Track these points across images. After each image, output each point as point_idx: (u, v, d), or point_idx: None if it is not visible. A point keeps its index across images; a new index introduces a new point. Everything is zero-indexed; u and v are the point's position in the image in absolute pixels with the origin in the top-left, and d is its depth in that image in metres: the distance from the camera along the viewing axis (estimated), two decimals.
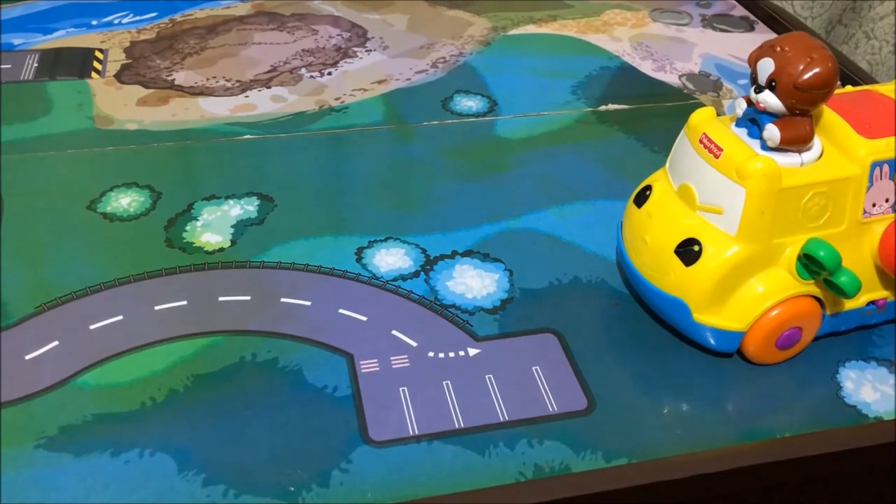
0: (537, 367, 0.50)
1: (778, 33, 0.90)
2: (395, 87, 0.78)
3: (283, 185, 0.64)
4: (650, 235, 0.50)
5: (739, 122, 0.49)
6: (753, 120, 0.48)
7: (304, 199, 0.63)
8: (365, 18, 0.91)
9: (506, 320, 0.53)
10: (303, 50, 0.84)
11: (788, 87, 0.45)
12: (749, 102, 0.48)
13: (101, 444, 0.45)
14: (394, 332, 0.52)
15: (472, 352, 0.51)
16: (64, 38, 0.85)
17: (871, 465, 0.47)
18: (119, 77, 0.78)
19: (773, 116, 0.47)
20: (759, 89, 0.47)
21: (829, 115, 0.49)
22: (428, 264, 0.57)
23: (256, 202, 0.63)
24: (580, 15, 0.93)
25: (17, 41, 0.83)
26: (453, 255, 0.58)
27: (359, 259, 0.58)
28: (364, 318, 0.53)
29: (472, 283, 0.56)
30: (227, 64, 0.81)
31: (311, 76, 0.79)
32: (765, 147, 0.47)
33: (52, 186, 0.64)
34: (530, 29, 0.90)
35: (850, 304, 0.50)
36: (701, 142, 0.49)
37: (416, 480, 0.43)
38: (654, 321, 0.53)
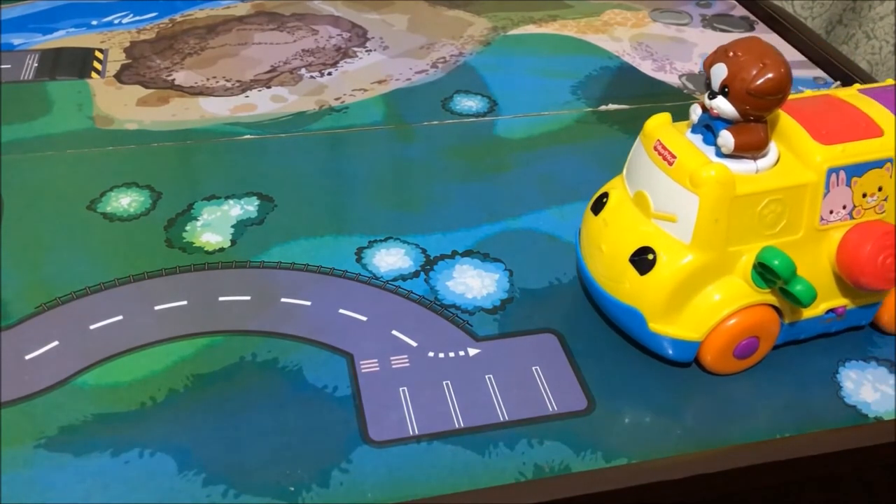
0: (537, 367, 0.50)
1: (778, 33, 0.91)
2: (395, 87, 0.78)
3: (283, 185, 0.64)
4: (606, 243, 0.49)
5: (695, 129, 0.48)
6: (708, 126, 0.47)
7: (304, 199, 0.63)
8: (365, 18, 0.91)
9: (506, 320, 0.53)
10: (303, 50, 0.84)
11: (741, 93, 0.44)
12: (704, 108, 0.47)
13: (101, 444, 0.45)
14: (394, 332, 0.52)
15: (472, 352, 0.51)
16: (64, 38, 0.85)
17: (871, 465, 0.47)
18: (119, 77, 0.78)
19: (728, 122, 0.46)
20: (712, 95, 0.46)
21: (785, 121, 0.48)
22: (428, 264, 0.57)
23: (256, 202, 0.63)
24: (580, 15, 0.93)
25: (17, 41, 0.83)
26: (453, 255, 0.58)
27: (359, 259, 0.58)
28: (364, 318, 0.53)
29: (472, 283, 0.56)
30: (227, 64, 0.81)
31: (311, 76, 0.79)
32: (719, 154, 0.46)
33: (52, 186, 0.64)
34: (530, 29, 0.90)
35: (808, 313, 0.49)
36: (655, 149, 0.48)
37: (416, 480, 0.43)
38: None
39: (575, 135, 0.72)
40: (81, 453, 0.44)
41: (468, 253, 0.58)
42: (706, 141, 0.47)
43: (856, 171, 0.47)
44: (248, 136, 0.70)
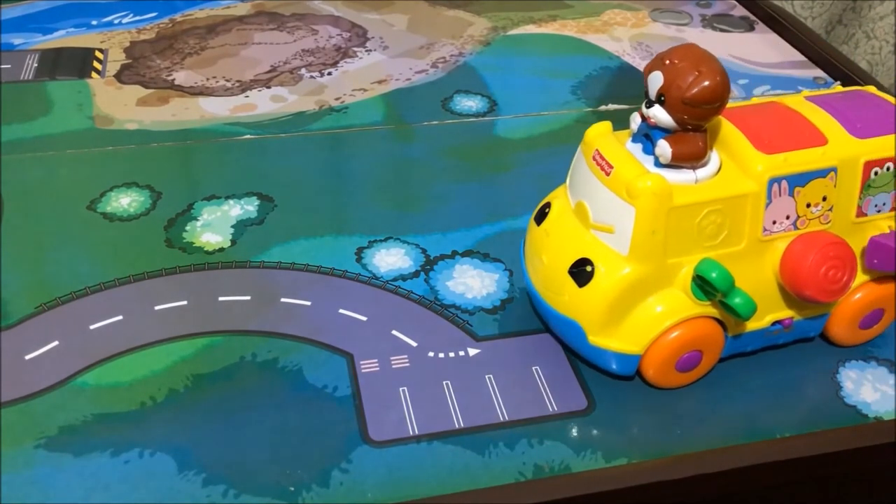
0: (537, 367, 0.50)
1: (778, 33, 0.91)
2: (395, 87, 0.78)
3: (283, 185, 0.64)
4: (546, 254, 0.48)
5: (635, 138, 0.47)
6: (648, 135, 0.46)
7: (304, 199, 0.63)
8: (365, 18, 0.91)
9: (506, 320, 0.53)
10: (303, 50, 0.84)
11: (677, 102, 0.43)
12: (644, 117, 0.46)
13: (101, 444, 0.45)
14: (394, 332, 0.52)
15: (472, 352, 0.51)
16: (64, 38, 0.85)
17: (871, 465, 0.47)
18: (119, 77, 0.78)
19: (666, 132, 0.45)
20: (649, 104, 0.45)
21: (727, 129, 0.47)
22: (428, 264, 0.57)
23: (256, 202, 0.63)
24: (580, 15, 0.93)
25: (17, 41, 0.83)
26: (453, 255, 0.58)
27: (359, 259, 0.58)
28: (364, 318, 0.53)
29: (472, 283, 0.56)
30: (227, 64, 0.81)
31: (311, 76, 0.79)
32: (658, 164, 0.45)
33: (52, 186, 0.64)
34: (530, 29, 0.90)
35: (754, 325, 0.48)
36: (594, 158, 0.47)
37: (416, 480, 0.43)
38: None
39: (575, 135, 0.71)
40: (81, 453, 0.44)
41: (468, 253, 0.58)
42: (646, 150, 0.46)
43: (798, 180, 0.46)
44: (248, 136, 0.70)
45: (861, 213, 0.48)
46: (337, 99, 0.76)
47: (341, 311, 0.53)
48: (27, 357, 0.50)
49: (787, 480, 0.46)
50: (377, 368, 0.49)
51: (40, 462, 0.44)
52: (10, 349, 0.50)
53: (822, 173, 0.46)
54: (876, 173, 0.47)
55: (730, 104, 0.48)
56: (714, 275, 0.44)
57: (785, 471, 0.45)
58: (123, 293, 0.54)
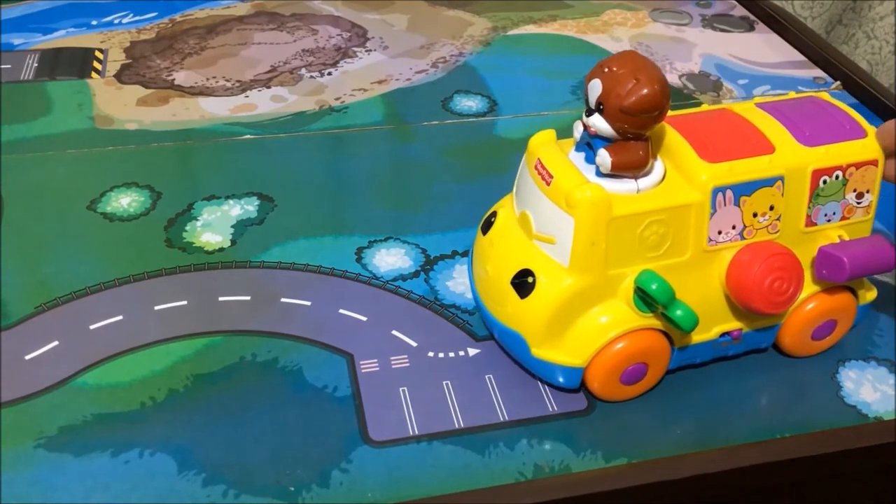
0: None
1: (778, 33, 0.91)
2: (395, 87, 0.78)
3: (283, 185, 0.64)
4: (491, 264, 0.48)
5: (579, 147, 0.46)
6: (590, 144, 0.45)
7: (304, 199, 0.63)
8: (365, 18, 0.91)
9: None
10: (303, 50, 0.84)
11: (615, 111, 0.42)
12: (585, 126, 0.45)
13: (101, 444, 0.45)
14: (394, 332, 0.52)
15: (472, 352, 0.51)
16: (64, 38, 0.85)
17: (871, 465, 0.47)
18: (119, 77, 0.78)
19: (607, 140, 0.44)
20: (589, 112, 0.44)
21: (672, 137, 0.46)
22: (428, 264, 0.57)
23: (256, 202, 0.63)
24: (580, 15, 0.93)
25: (17, 41, 0.83)
26: (453, 255, 0.58)
27: (359, 259, 0.58)
28: (364, 318, 0.53)
29: None
30: (227, 64, 0.81)
31: (311, 76, 0.79)
32: (599, 173, 0.45)
33: (52, 186, 0.64)
34: (530, 29, 0.90)
35: (701, 336, 0.47)
36: (535, 168, 0.46)
37: (416, 480, 0.43)
38: None
39: None
40: (81, 453, 0.44)
41: (468, 253, 0.58)
42: (588, 160, 0.45)
43: (744, 189, 0.45)
44: (248, 136, 0.70)
45: (810, 222, 0.47)
46: (337, 99, 0.76)
47: (341, 311, 0.53)
48: (27, 357, 0.50)
49: (787, 480, 0.46)
50: (377, 368, 0.49)
51: (40, 462, 0.44)
52: (10, 349, 0.50)
53: (768, 182, 0.45)
54: (825, 182, 0.46)
55: (679, 111, 0.48)
56: (654, 287, 0.43)
57: (785, 471, 0.44)
58: (123, 293, 0.54)
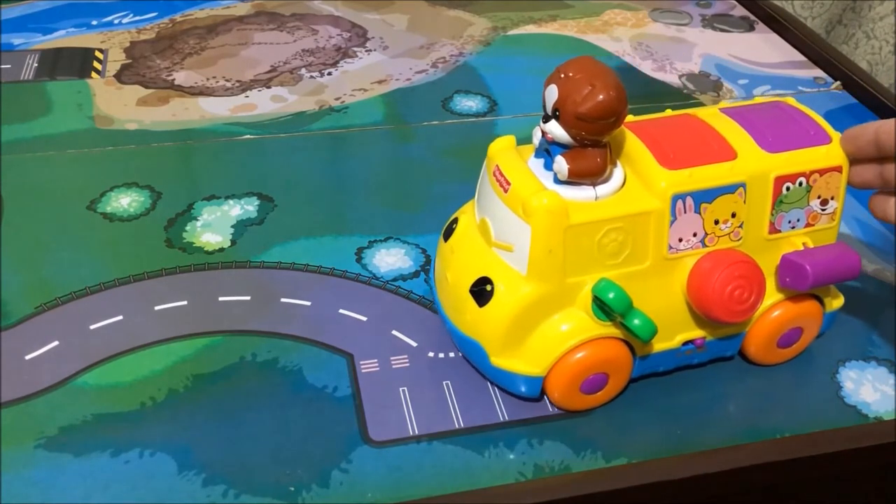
0: None
1: (778, 33, 0.91)
2: (395, 87, 0.78)
3: (283, 185, 0.64)
4: (451, 272, 0.47)
5: (538, 153, 0.45)
6: (549, 150, 0.44)
7: (304, 199, 0.63)
8: (365, 18, 0.91)
9: None
10: (303, 50, 0.84)
11: (570, 117, 0.41)
12: (543, 132, 0.44)
13: (101, 444, 0.45)
14: (394, 332, 0.52)
15: None
16: (64, 38, 0.85)
17: (871, 465, 0.47)
18: (119, 77, 0.78)
19: (564, 147, 0.43)
20: (546, 118, 0.43)
21: (633, 144, 0.45)
22: (428, 264, 0.57)
23: (256, 202, 0.63)
24: (580, 15, 0.93)
25: (17, 41, 0.83)
26: None
27: (359, 259, 0.58)
28: (364, 318, 0.53)
29: None
30: (227, 64, 0.81)
31: (311, 76, 0.79)
32: (557, 180, 0.44)
33: (52, 186, 0.64)
34: (530, 29, 0.90)
35: (663, 345, 0.46)
36: (494, 174, 0.45)
37: (416, 480, 0.43)
38: None
39: None
40: (81, 453, 0.44)
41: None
42: (547, 166, 0.45)
43: (704, 196, 0.44)
44: (248, 136, 0.70)
45: (774, 229, 0.46)
46: (337, 99, 0.76)
47: (341, 311, 0.53)
48: (27, 357, 0.50)
49: (787, 480, 0.46)
50: (377, 368, 0.49)
51: (40, 462, 0.44)
52: (10, 349, 0.50)
53: (729, 189, 0.44)
54: (788, 189, 0.46)
55: (642, 116, 0.47)
56: (611, 296, 0.42)
57: (785, 471, 0.44)
58: (123, 293, 0.54)
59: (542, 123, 0.43)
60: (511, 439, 0.46)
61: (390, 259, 0.58)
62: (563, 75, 0.42)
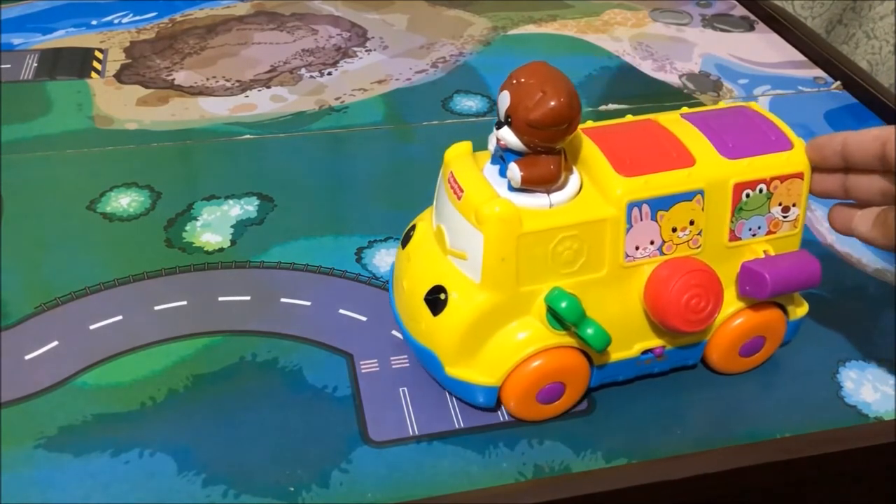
0: None
1: (778, 33, 0.91)
2: (395, 87, 0.78)
3: (283, 185, 0.64)
4: (407, 280, 0.46)
5: (494, 160, 0.44)
6: (503, 157, 0.43)
7: (304, 199, 0.63)
8: (365, 18, 0.91)
9: None
10: (303, 50, 0.84)
11: (522, 124, 0.41)
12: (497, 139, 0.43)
13: (101, 444, 0.45)
14: (394, 333, 0.52)
15: None
16: (64, 37, 0.84)
17: (871, 465, 0.47)
18: (119, 77, 0.78)
19: (518, 154, 0.42)
20: (499, 125, 0.42)
21: (590, 150, 0.44)
22: None
23: (256, 202, 0.63)
24: (580, 15, 0.93)
25: (16, 41, 0.83)
26: None
27: (359, 259, 0.58)
28: (364, 318, 0.53)
29: None
30: (227, 64, 0.81)
31: (311, 76, 0.79)
32: (511, 188, 0.43)
33: (52, 186, 0.64)
34: (530, 29, 0.90)
35: (622, 354, 0.46)
36: (449, 181, 0.45)
37: (416, 480, 0.43)
38: None
39: None
40: (81, 453, 0.44)
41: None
42: (502, 173, 0.44)
43: (661, 204, 0.43)
44: (248, 136, 0.70)
45: (734, 236, 0.45)
46: (337, 99, 0.76)
47: (341, 311, 0.53)
48: (27, 357, 0.50)
49: (787, 480, 0.46)
50: (377, 368, 0.49)
51: (40, 462, 0.44)
52: (10, 349, 0.50)
53: (687, 196, 0.43)
54: (748, 195, 0.45)
55: (601, 122, 0.47)
56: (563, 305, 0.42)
57: (785, 471, 0.44)
58: (123, 293, 0.54)
59: (495, 130, 0.43)
60: (511, 439, 0.46)
61: (390, 259, 0.57)
62: (515, 81, 0.41)
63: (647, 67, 0.83)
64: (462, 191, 0.43)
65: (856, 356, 0.52)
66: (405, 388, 0.48)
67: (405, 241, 0.48)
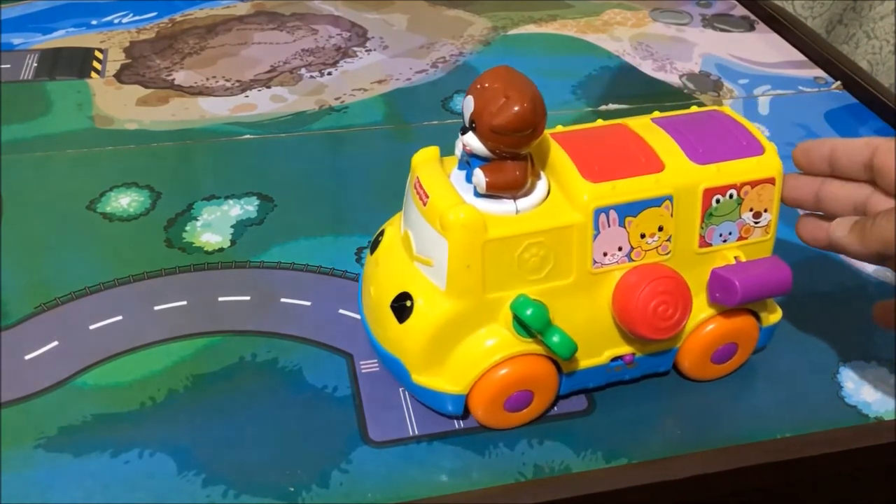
0: None
1: (778, 33, 0.91)
2: (395, 87, 0.78)
3: (283, 185, 0.64)
4: (374, 286, 0.46)
5: (460, 165, 0.44)
6: (469, 162, 0.43)
7: (304, 199, 0.63)
8: (365, 18, 0.91)
9: None
10: (303, 50, 0.84)
11: (486, 130, 0.40)
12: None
13: (101, 444, 0.45)
14: None
15: None
16: (64, 37, 0.84)
17: (871, 466, 0.47)
18: (119, 77, 0.78)
19: (483, 160, 0.42)
20: (464, 130, 0.42)
21: (557, 155, 0.44)
22: None
23: (256, 202, 0.63)
24: (580, 15, 0.93)
25: (16, 41, 0.83)
26: None
27: (359, 259, 0.58)
28: None
29: None
30: (227, 64, 0.81)
31: (311, 76, 0.79)
32: (477, 193, 0.43)
33: (52, 186, 0.64)
34: (530, 29, 0.90)
35: (591, 361, 0.45)
36: (415, 186, 0.44)
37: (416, 480, 0.43)
38: None
39: None
40: (81, 453, 0.44)
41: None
42: (468, 179, 0.43)
43: (629, 210, 0.42)
44: (248, 136, 0.70)
45: (705, 242, 0.45)
46: (337, 99, 0.76)
47: (341, 311, 0.53)
48: (27, 357, 0.50)
49: (787, 480, 0.46)
50: (377, 368, 0.49)
51: (40, 462, 0.44)
52: (10, 349, 0.50)
53: (655, 202, 0.43)
54: (718, 201, 0.44)
55: (571, 127, 0.46)
56: (528, 312, 0.41)
57: (785, 471, 0.44)
58: (123, 293, 0.54)
59: (461, 135, 0.42)
60: (511, 439, 0.46)
61: None
62: (479, 86, 0.41)
63: (647, 67, 0.83)
64: (427, 196, 0.43)
65: (856, 356, 0.52)
66: (405, 388, 0.48)
67: (374, 247, 0.48)
